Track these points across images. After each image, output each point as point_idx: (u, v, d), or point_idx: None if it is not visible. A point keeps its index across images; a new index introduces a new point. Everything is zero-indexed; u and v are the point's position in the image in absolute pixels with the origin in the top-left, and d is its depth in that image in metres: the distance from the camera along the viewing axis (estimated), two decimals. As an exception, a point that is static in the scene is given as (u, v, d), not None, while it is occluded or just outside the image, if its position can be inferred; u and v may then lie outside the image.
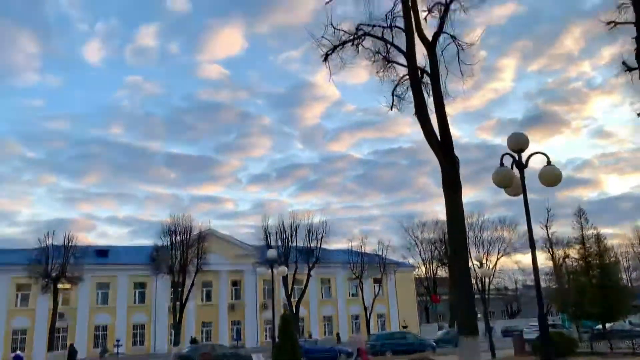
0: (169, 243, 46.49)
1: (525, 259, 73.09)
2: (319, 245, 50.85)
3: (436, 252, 66.44)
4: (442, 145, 15.04)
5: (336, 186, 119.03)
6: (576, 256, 41.20)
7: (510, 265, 73.52)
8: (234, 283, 57.80)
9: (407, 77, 16.78)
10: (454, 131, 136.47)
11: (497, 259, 69.27)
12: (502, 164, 12.10)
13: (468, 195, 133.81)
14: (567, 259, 43.78)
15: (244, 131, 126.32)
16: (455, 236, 14.33)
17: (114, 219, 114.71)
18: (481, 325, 62.34)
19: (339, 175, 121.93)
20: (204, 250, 48.84)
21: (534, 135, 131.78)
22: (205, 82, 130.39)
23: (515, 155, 12.04)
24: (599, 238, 42.16)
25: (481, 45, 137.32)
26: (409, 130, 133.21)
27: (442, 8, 16.53)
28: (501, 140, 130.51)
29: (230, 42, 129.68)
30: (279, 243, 50.73)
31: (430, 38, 16.26)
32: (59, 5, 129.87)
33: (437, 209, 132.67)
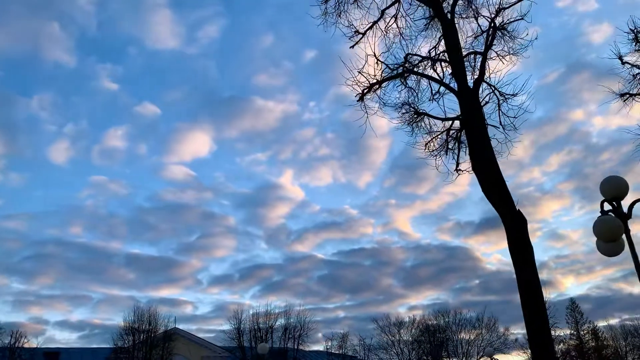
0: (130, 343, 40.71)
1: (505, 358, 68.65)
2: (296, 346, 45.73)
3: (414, 352, 61.44)
4: (505, 200, 12.09)
5: (300, 287, 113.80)
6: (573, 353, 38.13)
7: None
8: (200, 389, 50.98)
9: (442, 131, 14.19)
10: (415, 233, 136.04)
11: None
12: (603, 212, 9.14)
13: (430, 296, 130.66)
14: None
15: (207, 231, 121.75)
16: (533, 313, 10.99)
17: (64, 323, 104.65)
18: None
19: (303, 275, 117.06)
20: (169, 352, 43.08)
21: (490, 237, 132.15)
22: (171, 182, 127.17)
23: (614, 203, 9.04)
24: (595, 333, 39.43)
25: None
26: (370, 230, 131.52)
27: (480, 57, 14.40)
28: (460, 242, 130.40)
29: (197, 145, 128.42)
30: (253, 344, 45.44)
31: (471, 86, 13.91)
32: (29, 107, 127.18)
33: (401, 311, 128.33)
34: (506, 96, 14.18)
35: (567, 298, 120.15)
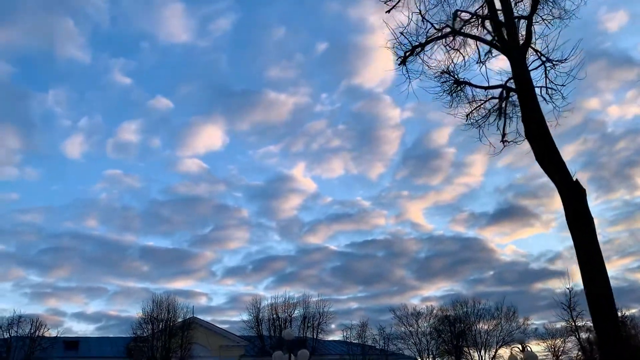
0: (150, 331, 40.18)
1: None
2: (315, 336, 44.98)
3: (432, 342, 60.49)
4: (561, 169, 11.09)
5: (313, 278, 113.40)
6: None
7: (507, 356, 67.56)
8: (218, 378, 50.41)
9: (486, 100, 13.14)
10: (428, 224, 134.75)
11: (496, 349, 63.83)
12: None
13: (443, 287, 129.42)
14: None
15: (220, 224, 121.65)
16: (596, 291, 9.99)
17: (81, 315, 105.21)
18: None
19: (316, 267, 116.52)
20: (188, 340, 42.53)
21: (504, 228, 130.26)
22: (185, 175, 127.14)
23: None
24: (623, 322, 38.17)
25: (450, 143, 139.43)
26: (383, 222, 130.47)
27: (525, 21, 13.30)
28: (474, 233, 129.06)
29: (210, 138, 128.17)
30: (271, 332, 44.82)
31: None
32: (45, 102, 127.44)
33: (414, 302, 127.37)
34: (554, 62, 13.10)
35: (582, 289, 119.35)
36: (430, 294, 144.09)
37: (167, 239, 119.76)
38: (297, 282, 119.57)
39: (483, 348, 63.45)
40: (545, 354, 66.89)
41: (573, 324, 36.93)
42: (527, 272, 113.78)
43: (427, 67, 13.26)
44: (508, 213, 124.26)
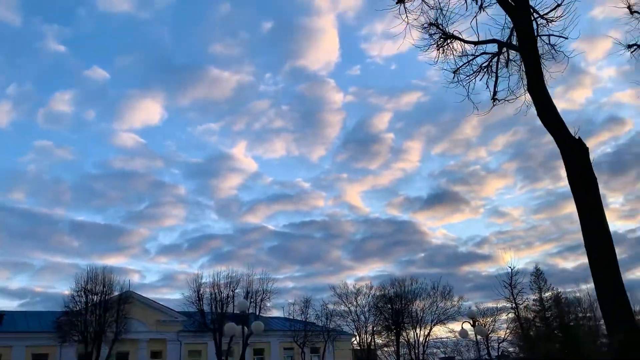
0: (83, 305, 37.60)
1: (458, 326, 69.28)
2: (257, 312, 43.75)
3: (371, 318, 60.85)
4: (562, 126, 10.33)
5: (250, 257, 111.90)
6: (536, 319, 38.11)
7: (440, 334, 69.32)
8: (155, 354, 48.24)
9: (476, 56, 12.21)
10: (365, 207, 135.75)
11: (431, 327, 65.08)
12: None
13: (376, 268, 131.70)
14: (534, 326, 40.08)
15: (156, 200, 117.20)
16: (599, 258, 9.31)
17: (3, 290, 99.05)
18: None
19: (254, 246, 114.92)
20: (124, 314, 40.23)
21: (437, 213, 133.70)
22: (120, 150, 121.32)
23: None
24: (558, 299, 39.46)
25: (389, 128, 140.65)
26: (322, 203, 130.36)
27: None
28: (407, 216, 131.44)
29: (148, 113, 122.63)
30: (212, 308, 43.18)
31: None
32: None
33: (348, 282, 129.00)
34: (549, 20, 12.34)
35: (507, 272, 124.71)
36: (364, 274, 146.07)
37: (99, 214, 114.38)
38: (234, 261, 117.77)
39: (419, 325, 64.53)
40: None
41: (514, 301, 37.71)
42: (456, 255, 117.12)
43: (414, 19, 12.12)
44: (441, 198, 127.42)
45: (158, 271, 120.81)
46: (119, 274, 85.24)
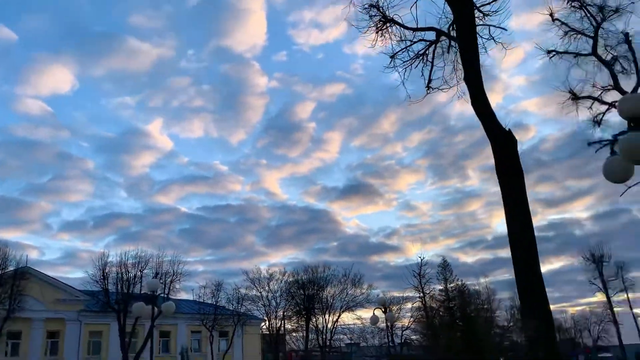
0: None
1: (366, 314, 71.16)
2: (166, 293, 42.19)
3: (282, 303, 60.97)
4: (493, 118, 10.51)
5: (160, 239, 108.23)
6: (441, 308, 39.79)
7: (348, 321, 70.86)
8: (52, 334, 45.32)
9: (414, 42, 12.17)
10: (283, 194, 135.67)
11: (340, 313, 66.23)
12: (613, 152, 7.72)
13: (290, 254, 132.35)
14: (438, 315, 41.68)
15: (61, 173, 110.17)
16: (520, 247, 9.56)
17: None
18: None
19: (164, 228, 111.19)
20: (19, 291, 37.41)
21: (351, 203, 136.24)
22: (24, 117, 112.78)
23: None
24: (462, 290, 41.34)
25: (312, 118, 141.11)
26: (239, 188, 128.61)
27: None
28: (323, 205, 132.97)
29: (57, 80, 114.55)
30: (118, 288, 41.14)
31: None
32: None
33: (261, 268, 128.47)
34: (485, 13, 12.54)
35: (414, 263, 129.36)
36: (277, 261, 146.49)
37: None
38: (142, 242, 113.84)
39: (328, 312, 65.49)
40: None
41: (421, 290, 39.07)
42: (367, 245, 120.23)
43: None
44: (356, 189, 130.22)
45: (60, 248, 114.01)
46: (15, 248, 79.42)
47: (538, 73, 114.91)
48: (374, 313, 27.32)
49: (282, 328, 60.29)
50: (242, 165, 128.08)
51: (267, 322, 60.58)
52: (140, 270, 41.44)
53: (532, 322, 9.32)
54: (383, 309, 25.72)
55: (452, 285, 40.44)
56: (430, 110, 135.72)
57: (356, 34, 12.69)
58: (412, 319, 58.87)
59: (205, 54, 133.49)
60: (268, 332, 61.09)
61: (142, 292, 40.49)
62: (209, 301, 49.32)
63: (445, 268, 40.89)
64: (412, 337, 67.57)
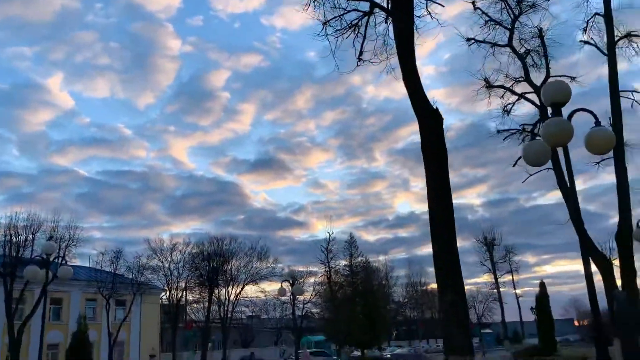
0: None
1: (269, 287, 71.51)
2: (60, 260, 39.55)
3: (185, 274, 59.49)
4: (423, 96, 10.54)
5: (54, 202, 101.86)
6: (346, 284, 40.74)
7: (252, 293, 70.95)
8: None
9: (348, 11, 11.89)
10: (190, 163, 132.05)
11: (243, 285, 65.96)
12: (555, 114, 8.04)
13: (194, 225, 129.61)
14: (342, 289, 42.50)
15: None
16: (440, 223, 9.73)
17: None
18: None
19: (60, 190, 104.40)
20: None
21: (261, 177, 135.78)
22: None
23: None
24: (366, 266, 42.52)
25: (225, 87, 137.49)
26: (144, 154, 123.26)
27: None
28: (232, 177, 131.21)
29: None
30: (6, 251, 38.01)
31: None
32: None
33: (163, 237, 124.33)
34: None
35: (319, 239, 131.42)
36: (180, 231, 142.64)
37: None
38: (34, 204, 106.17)
39: (232, 284, 64.95)
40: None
41: (327, 265, 39.70)
42: (274, 219, 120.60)
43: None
44: (267, 164, 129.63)
45: None
46: None
47: (446, 65, 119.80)
48: (281, 285, 27.38)
49: (185, 299, 58.99)
50: (149, 131, 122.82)
51: (167, 293, 58.96)
52: (32, 234, 38.49)
53: (448, 296, 9.53)
54: (290, 282, 25.77)
55: (356, 261, 41.49)
56: (345, 91, 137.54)
57: (276, 6, 12.06)
58: (314, 293, 60.08)
59: (114, 9, 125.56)
60: (168, 303, 59.49)
61: (33, 256, 37.68)
62: (107, 269, 46.98)
63: (351, 244, 41.84)
64: (312, 310, 69.05)
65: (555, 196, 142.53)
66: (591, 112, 8.45)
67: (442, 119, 10.48)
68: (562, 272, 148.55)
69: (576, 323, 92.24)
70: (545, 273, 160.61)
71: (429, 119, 10.48)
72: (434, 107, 10.58)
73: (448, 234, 9.97)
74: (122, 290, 45.19)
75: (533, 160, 8.42)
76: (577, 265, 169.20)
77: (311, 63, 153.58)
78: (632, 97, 19.81)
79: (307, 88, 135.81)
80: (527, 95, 20.79)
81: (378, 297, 42.43)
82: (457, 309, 9.48)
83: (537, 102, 20.51)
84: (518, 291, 73.56)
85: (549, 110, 8.92)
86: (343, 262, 42.77)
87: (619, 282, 18.55)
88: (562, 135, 7.71)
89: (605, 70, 18.68)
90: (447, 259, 9.85)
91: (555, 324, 38.34)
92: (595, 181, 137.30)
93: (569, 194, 19.89)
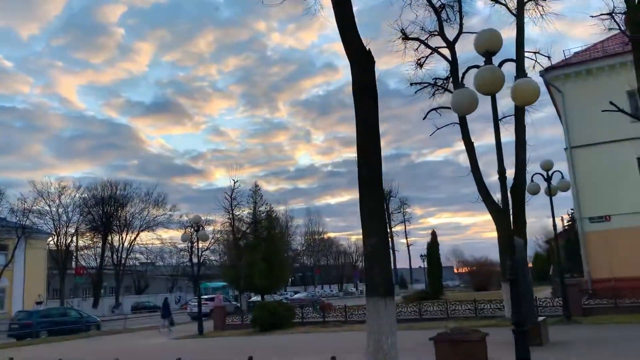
0: None
1: (166, 234, 69.68)
2: None
3: (75, 218, 56.09)
4: (356, 35, 10.15)
5: None
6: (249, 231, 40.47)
7: (147, 240, 68.84)
8: None
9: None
10: (80, 103, 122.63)
11: (139, 232, 63.71)
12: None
13: (84, 169, 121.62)
14: (245, 235, 41.92)
15: None
16: (367, 163, 9.60)
17: None
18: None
19: None
20: None
21: (157, 121, 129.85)
22: None
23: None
24: (269, 214, 42.33)
25: (120, 23, 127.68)
26: (27, 89, 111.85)
27: None
28: (126, 120, 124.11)
29: None
30: None
31: None
32: None
33: (48, 180, 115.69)
34: None
35: (218, 187, 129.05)
36: (67, 175, 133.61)
37: None
38: None
39: (126, 230, 62.56)
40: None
41: (231, 212, 38.90)
42: (171, 166, 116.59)
43: None
44: (164, 108, 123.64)
45: None
46: None
47: (357, 16, 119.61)
48: (186, 231, 26.57)
49: (76, 245, 55.81)
50: (33, 65, 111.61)
51: (55, 238, 55.42)
52: None
53: (372, 239, 9.51)
54: (195, 228, 24.99)
55: (260, 209, 41.25)
56: (249, 37, 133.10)
57: None
58: (213, 241, 59.28)
59: None
60: (56, 248, 55.99)
61: None
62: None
63: (256, 192, 41.42)
64: (211, 258, 68.53)
65: (444, 153, 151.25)
66: (518, 62, 8.63)
67: (374, 61, 10.20)
68: (444, 223, 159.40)
69: (456, 270, 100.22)
70: (429, 224, 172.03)
71: (362, 59, 10.11)
72: (368, 49, 10.24)
73: (375, 178, 9.84)
74: (4, 235, 41.68)
75: (461, 108, 8.42)
76: (458, 218, 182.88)
77: (214, 3, 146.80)
78: (535, 59, 20.91)
79: (210, 31, 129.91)
80: (440, 50, 21.15)
81: (279, 244, 42.76)
82: (380, 251, 9.50)
83: (449, 57, 20.95)
84: (410, 240, 77.80)
85: (460, 68, 8.92)
86: (247, 211, 42.28)
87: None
88: (495, 83, 7.70)
89: (513, 32, 19.36)
90: (373, 204, 9.75)
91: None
92: (479, 142, 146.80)
93: (471, 149, 20.89)
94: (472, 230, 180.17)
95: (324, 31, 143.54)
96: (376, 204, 9.65)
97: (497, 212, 19.94)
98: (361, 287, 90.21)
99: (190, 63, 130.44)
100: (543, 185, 18.26)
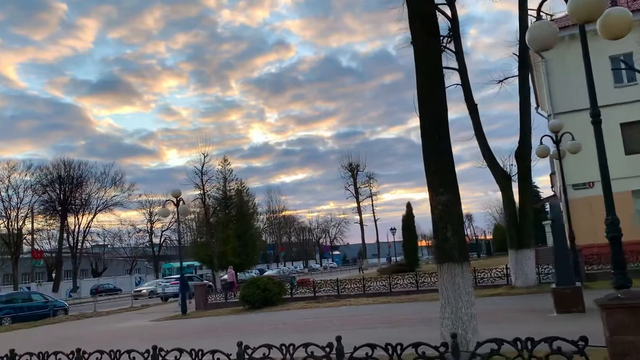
0: None
1: (125, 214, 66.27)
2: None
3: (28, 199, 52.25)
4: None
5: None
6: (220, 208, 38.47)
7: (103, 222, 65.46)
8: None
9: None
10: (21, 81, 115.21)
11: (96, 212, 60.38)
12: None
13: (27, 151, 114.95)
14: (216, 213, 39.90)
15: None
16: (431, 110, 8.25)
17: None
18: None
19: None
20: None
21: (105, 101, 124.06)
22: None
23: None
24: (240, 192, 40.58)
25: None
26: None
27: None
28: (71, 100, 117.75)
29: None
30: None
31: None
32: None
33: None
34: None
35: (168, 168, 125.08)
36: (10, 156, 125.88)
37: None
38: None
39: (82, 211, 59.24)
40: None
41: (202, 189, 36.84)
42: (120, 146, 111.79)
43: None
44: (111, 86, 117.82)
45: None
46: None
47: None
48: (163, 205, 24.57)
49: (32, 227, 51.93)
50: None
51: (6, 221, 51.44)
52: None
53: (443, 197, 8.21)
54: (176, 202, 23.04)
55: (230, 186, 39.46)
56: (198, 13, 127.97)
57: None
58: (173, 220, 56.77)
59: None
60: (7, 231, 52.01)
61: None
62: None
63: (225, 168, 39.50)
64: (172, 237, 65.96)
65: (396, 130, 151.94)
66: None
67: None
68: (398, 199, 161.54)
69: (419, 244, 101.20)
70: (384, 200, 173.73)
71: (429, 16, 8.70)
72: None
73: (442, 127, 8.50)
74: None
75: (540, 43, 7.04)
76: (411, 194, 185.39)
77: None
78: (534, 16, 19.98)
79: (157, 7, 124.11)
80: (439, 7, 19.91)
81: (249, 220, 41.22)
82: (452, 210, 8.22)
83: (449, 15, 19.76)
84: (370, 215, 77.07)
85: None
86: (216, 186, 40.26)
87: (516, 198, 19.16)
88: (591, 12, 6.21)
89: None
90: (440, 156, 8.44)
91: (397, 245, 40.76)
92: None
93: (474, 112, 19.87)
94: (425, 206, 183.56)
95: (276, 8, 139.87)
96: (444, 157, 8.38)
97: (503, 178, 19.13)
98: (325, 263, 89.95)
99: (138, 40, 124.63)
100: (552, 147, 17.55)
